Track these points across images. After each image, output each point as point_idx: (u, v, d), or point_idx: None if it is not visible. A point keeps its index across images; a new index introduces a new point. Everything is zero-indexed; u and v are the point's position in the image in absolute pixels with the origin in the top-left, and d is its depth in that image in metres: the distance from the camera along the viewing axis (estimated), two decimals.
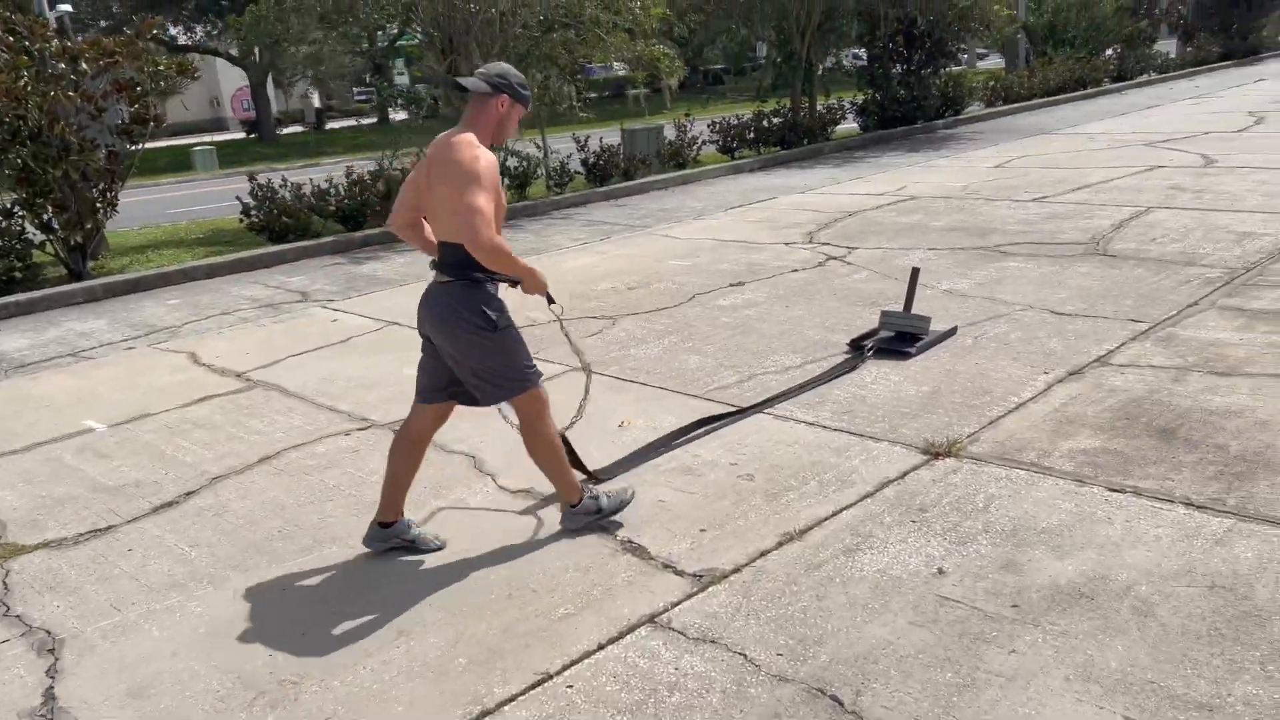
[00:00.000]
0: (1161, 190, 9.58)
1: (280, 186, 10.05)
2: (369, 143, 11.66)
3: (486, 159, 3.17)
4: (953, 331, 5.69)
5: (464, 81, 3.26)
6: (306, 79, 39.44)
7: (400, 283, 8.31)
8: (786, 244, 8.63)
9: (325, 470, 4.43)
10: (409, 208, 3.47)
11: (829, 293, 6.87)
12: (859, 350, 5.49)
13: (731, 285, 7.28)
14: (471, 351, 3.32)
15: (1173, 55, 26.74)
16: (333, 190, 10.33)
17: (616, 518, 3.68)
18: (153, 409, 5.46)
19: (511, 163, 12.15)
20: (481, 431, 4.71)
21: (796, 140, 15.42)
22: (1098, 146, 13.36)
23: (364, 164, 11.46)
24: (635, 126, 14.75)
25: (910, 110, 17.09)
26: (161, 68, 8.85)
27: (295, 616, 3.25)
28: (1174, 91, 21.37)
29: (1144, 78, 24.39)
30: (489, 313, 3.30)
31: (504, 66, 3.36)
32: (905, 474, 3.93)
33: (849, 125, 17.24)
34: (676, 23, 12.84)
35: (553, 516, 3.79)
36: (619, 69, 13.13)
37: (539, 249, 9.43)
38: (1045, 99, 20.50)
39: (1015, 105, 19.79)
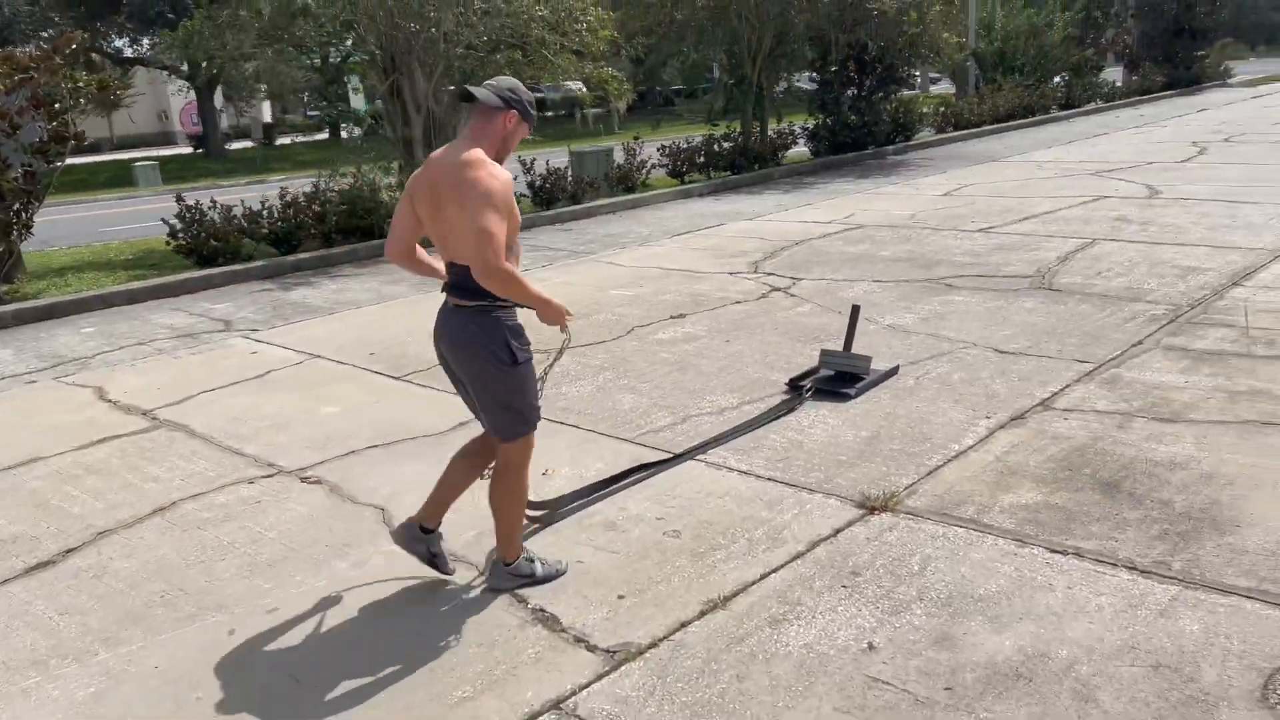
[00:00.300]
0: (1107, 221, 9.55)
1: (210, 208, 9.67)
2: (319, 159, 11.43)
3: (501, 177, 2.99)
4: (894, 371, 5.51)
5: (475, 91, 3.08)
6: (259, 94, 38.82)
7: (329, 311, 7.98)
8: (731, 273, 8.44)
9: (221, 524, 4.11)
10: (404, 237, 3.27)
11: (771, 326, 6.67)
12: (797, 391, 5.29)
13: (673, 317, 7.06)
14: (490, 382, 3.17)
15: (1119, 84, 27.16)
16: (265, 212, 9.97)
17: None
18: (45, 451, 5.09)
19: None
20: (396, 480, 4.42)
21: (747, 165, 15.30)
22: (1045, 175, 13.38)
23: (304, 183, 11.09)
24: (584, 149, 14.54)
25: (861, 136, 17.07)
26: (81, 84, 8.46)
27: (157, 700, 2.93)
28: (1120, 120, 21.66)
29: (1091, 106, 24.72)
30: (512, 345, 3.13)
31: (513, 81, 3.19)
32: (839, 531, 3.71)
33: (800, 150, 17.18)
34: (625, 45, 12.65)
35: (462, 578, 3.51)
36: (572, 88, 12.91)
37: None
38: (995, 125, 20.65)
39: (965, 131, 19.89)
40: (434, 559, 3.46)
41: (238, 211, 9.85)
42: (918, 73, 17.62)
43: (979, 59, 23.60)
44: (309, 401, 5.61)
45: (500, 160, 3.13)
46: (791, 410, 5.05)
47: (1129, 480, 3.97)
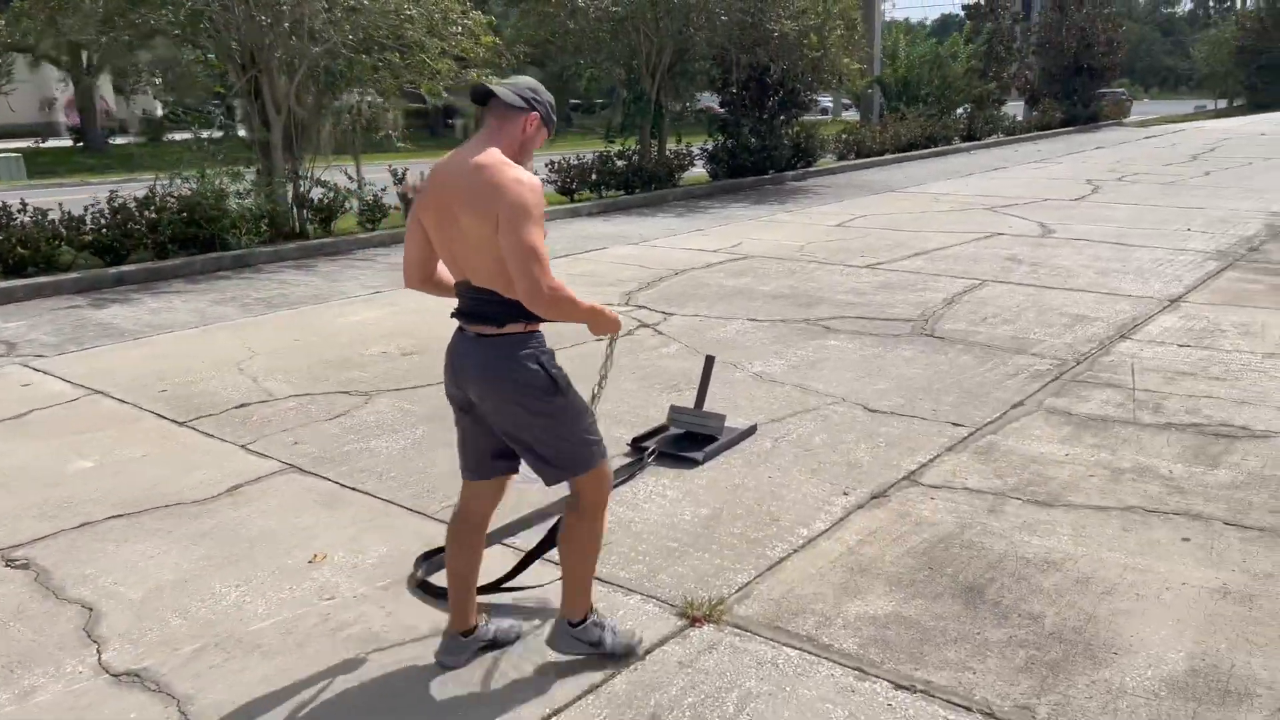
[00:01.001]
0: (998, 261, 9.17)
1: (19, 210, 8.59)
2: (206, 156, 10.44)
3: (532, 183, 2.56)
4: (752, 430, 4.88)
5: (495, 89, 2.65)
6: (153, 87, 36.77)
7: (138, 334, 7.03)
8: (605, 303, 7.74)
9: None
10: (419, 261, 2.82)
11: (630, 371, 6.00)
12: (640, 453, 4.62)
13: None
14: (532, 422, 2.69)
15: (1020, 118, 27.49)
16: (90, 217, 8.92)
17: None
18: None
19: (317, 193, 10.96)
20: (124, 565, 3.59)
21: (641, 185, 14.71)
22: (941, 208, 13.09)
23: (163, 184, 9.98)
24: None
25: (761, 160, 16.65)
26: None
27: None
28: (1019, 154, 21.77)
29: (993, 139, 24.90)
30: (550, 371, 2.69)
31: (533, 81, 2.77)
32: (649, 651, 3.03)
33: (699, 171, 16.68)
34: (508, 53, 11.91)
35: (155, 713, 2.72)
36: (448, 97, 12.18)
37: (324, 296, 8.29)
38: (897, 155, 20.52)
39: (868, 160, 19.70)
40: (494, 642, 3.04)
41: (54, 215, 8.78)
42: (827, 98, 17.21)
43: (883, 87, 23.55)
44: (63, 452, 4.72)
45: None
46: (631, 477, 4.37)
47: (995, 585, 3.38)
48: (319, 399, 5.52)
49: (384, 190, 11.53)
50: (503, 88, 2.67)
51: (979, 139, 24.17)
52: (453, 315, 2.75)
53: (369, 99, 11.51)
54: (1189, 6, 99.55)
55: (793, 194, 15.43)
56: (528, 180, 2.54)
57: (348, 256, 10.30)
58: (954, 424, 4.96)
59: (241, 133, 11.44)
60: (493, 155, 2.58)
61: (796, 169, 17.76)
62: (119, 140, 35.83)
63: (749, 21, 14.63)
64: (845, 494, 4.16)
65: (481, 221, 2.52)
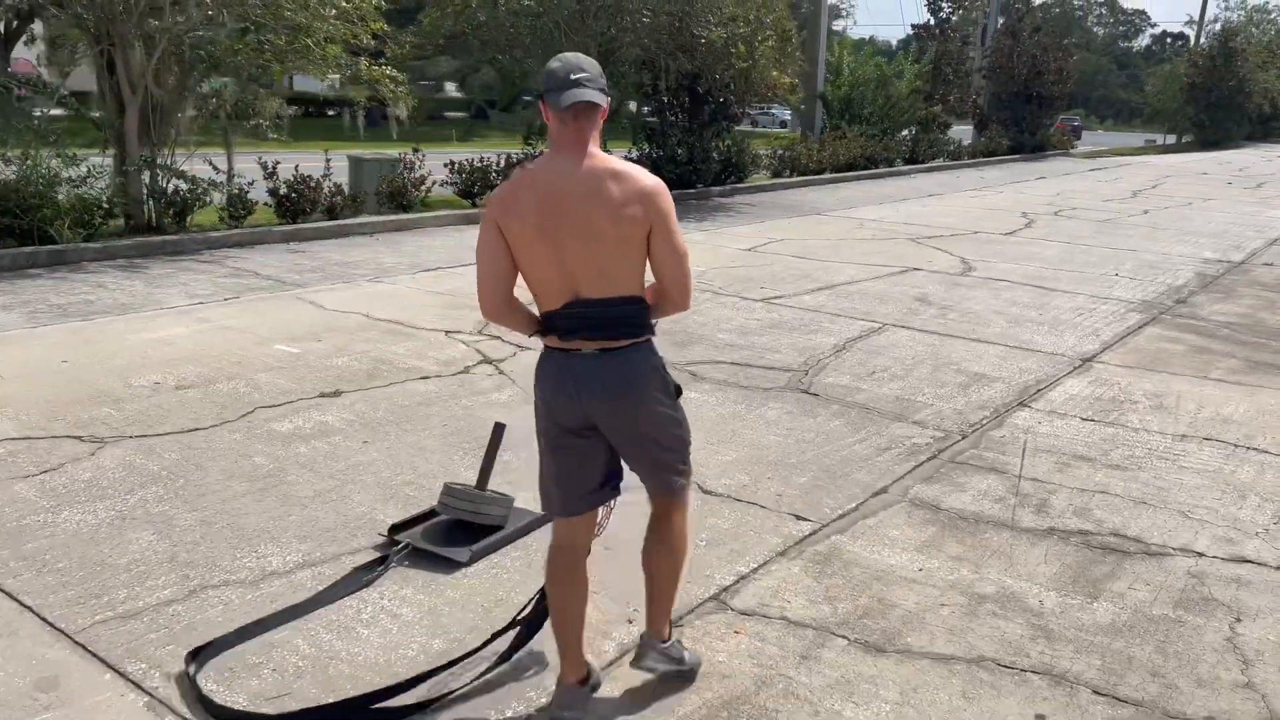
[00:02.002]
0: (906, 301, 8.37)
1: None
2: (37, 137, 9.10)
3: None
4: (543, 521, 3.95)
5: (593, 97, 2.44)
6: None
7: None
8: (448, 332, 6.81)
9: None
10: (506, 285, 2.58)
11: (442, 421, 5.05)
12: (395, 545, 3.68)
13: (323, 395, 5.36)
14: (665, 425, 2.67)
15: (966, 143, 26.97)
16: None
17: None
18: None
19: (176, 184, 9.86)
20: None
21: None
22: (863, 235, 12.32)
23: None
24: (364, 155, 12.71)
25: (687, 173, 15.79)
26: None
27: None
28: (960, 180, 21.18)
29: (938, 162, 24.32)
30: (669, 377, 2.69)
31: (587, 61, 2.51)
32: None
33: None
34: (393, 44, 10.90)
35: None
36: (335, 86, 11.13)
37: (134, 305, 7.23)
38: (834, 175, 19.80)
39: (803, 178, 18.95)
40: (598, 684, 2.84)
41: None
42: (786, 111, 16.38)
43: (825, 103, 22.83)
44: None
45: None
46: (365, 585, 3.42)
47: None
48: (38, 445, 4.50)
49: (252, 183, 10.46)
50: (592, 90, 2.44)
51: (922, 162, 23.57)
52: (564, 337, 2.54)
53: (234, 83, 10.41)
54: (1146, 42, 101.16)
55: (714, 212, 14.59)
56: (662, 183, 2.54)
57: (191, 256, 9.21)
58: (797, 516, 4.08)
59: (97, 114, 10.29)
60: (618, 161, 2.53)
61: (726, 184, 16.96)
62: None
63: (676, 26, 13.75)
64: (630, 621, 3.25)
65: (634, 228, 2.45)
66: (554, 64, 2.48)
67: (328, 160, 11.16)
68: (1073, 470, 4.69)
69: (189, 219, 9.93)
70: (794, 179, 18.81)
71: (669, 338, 6.87)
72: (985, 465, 4.73)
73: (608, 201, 2.42)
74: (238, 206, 10.14)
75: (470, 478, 4.06)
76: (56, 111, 9.97)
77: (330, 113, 31.87)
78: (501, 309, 2.61)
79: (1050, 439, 5.12)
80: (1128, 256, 11.17)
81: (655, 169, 15.26)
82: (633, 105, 16.63)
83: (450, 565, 3.57)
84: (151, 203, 9.78)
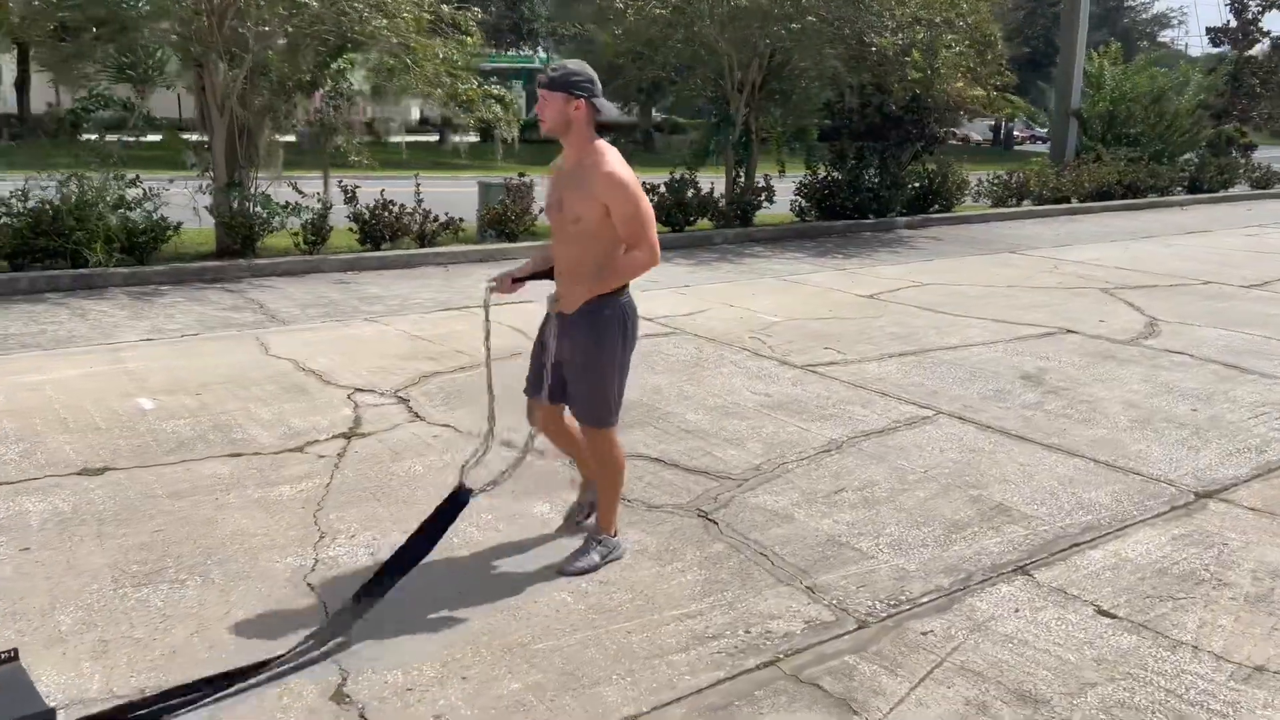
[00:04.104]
0: (1006, 380, 6.25)
1: None
2: (101, 158, 8.79)
3: None
4: None
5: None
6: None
7: None
8: (357, 390, 5.68)
9: None
10: None
11: (158, 527, 3.90)
12: None
13: (83, 473, 4.37)
14: None
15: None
16: None
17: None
18: None
19: (247, 207, 9.50)
20: None
21: (723, 222, 12.53)
22: (1044, 283, 9.88)
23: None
24: (492, 181, 11.98)
25: (865, 201, 13.77)
26: None
27: None
28: (1247, 215, 17.27)
29: (1235, 190, 20.13)
30: None
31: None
32: None
33: (783, 210, 14.04)
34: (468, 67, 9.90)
35: None
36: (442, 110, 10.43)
37: (69, 339, 6.70)
38: (1078, 205, 16.77)
39: (1030, 209, 16.20)
40: None
41: None
42: (954, 131, 14.05)
43: (1081, 121, 19.53)
44: None
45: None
46: None
47: None
48: None
49: (331, 208, 9.95)
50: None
51: (1209, 191, 19.57)
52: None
53: (336, 100, 9.97)
54: None
55: (882, 246, 12.52)
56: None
57: (222, 284, 8.70)
58: None
59: (199, 136, 10.22)
60: None
61: (927, 213, 14.71)
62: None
63: (844, 33, 11.88)
64: None
65: None
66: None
67: (418, 184, 10.45)
68: None
69: (259, 243, 9.54)
70: (1019, 208, 16.12)
71: (631, 409, 5.33)
72: (837, 696, 2.86)
73: None
74: (310, 231, 9.64)
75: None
76: (154, 137, 9.98)
77: (431, 138, 31.83)
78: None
79: (1002, 651, 3.12)
80: None
81: (822, 195, 13.46)
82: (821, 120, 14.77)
83: None
84: (222, 227, 9.49)
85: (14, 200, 8.16)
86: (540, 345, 3.56)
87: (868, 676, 2.95)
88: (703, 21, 11.97)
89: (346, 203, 9.96)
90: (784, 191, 13.95)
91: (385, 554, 3.48)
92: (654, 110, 28.69)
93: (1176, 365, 6.68)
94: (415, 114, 28.42)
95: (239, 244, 9.46)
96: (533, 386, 3.60)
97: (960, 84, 12.51)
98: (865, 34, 11.67)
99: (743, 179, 13.66)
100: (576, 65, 3.30)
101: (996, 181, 16.21)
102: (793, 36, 12.12)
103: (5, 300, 7.71)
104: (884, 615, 3.32)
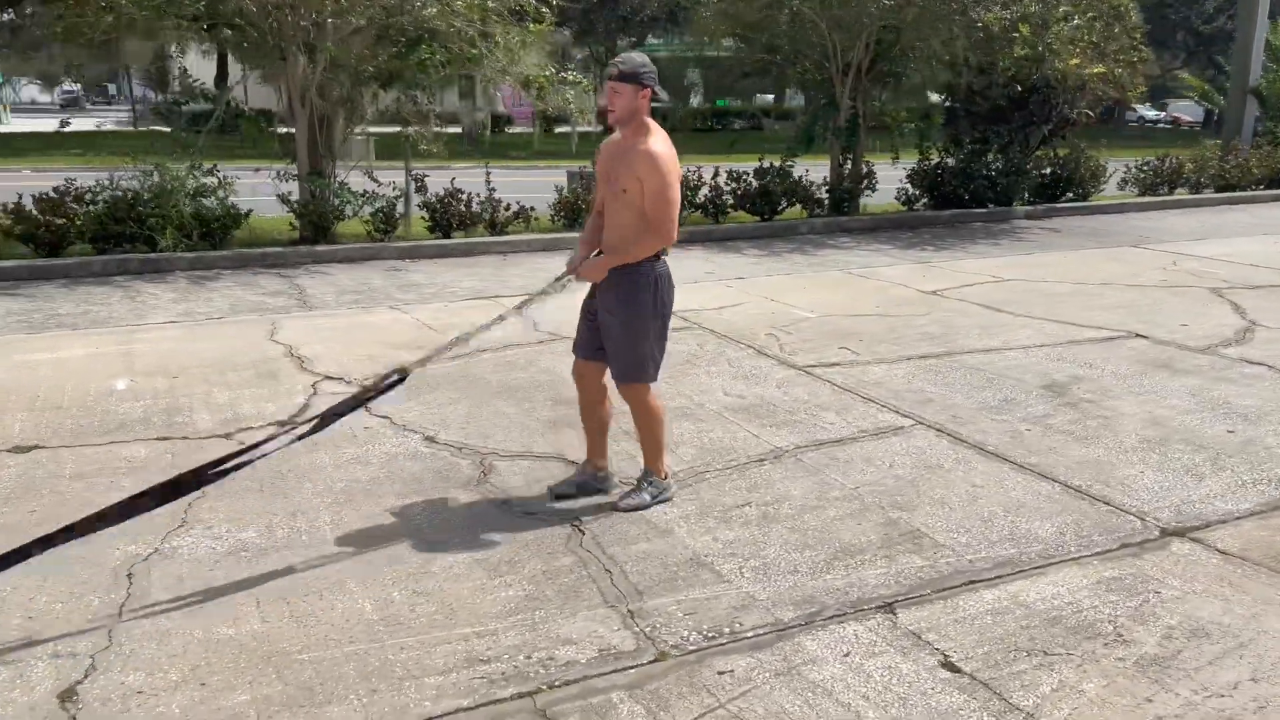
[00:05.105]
0: (1025, 389, 5.65)
1: None
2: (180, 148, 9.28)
3: None
4: None
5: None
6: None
7: None
8: (326, 378, 5.70)
9: None
10: None
11: (32, 507, 4.02)
12: None
13: (14, 450, 4.57)
14: None
15: None
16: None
17: None
18: None
19: (320, 195, 9.79)
20: None
21: (834, 209, 12.13)
22: (1140, 281, 8.92)
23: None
24: (576, 169, 11.94)
25: (980, 188, 12.84)
26: None
27: None
28: None
29: None
30: None
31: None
32: None
33: (886, 199, 13.29)
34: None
35: None
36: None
37: (104, 320, 7.05)
38: (1234, 195, 15.08)
39: (1176, 198, 14.71)
40: None
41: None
42: (1087, 112, 12.87)
43: (1261, 99, 17.52)
44: None
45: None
46: None
47: None
48: None
49: (399, 197, 10.14)
50: None
51: None
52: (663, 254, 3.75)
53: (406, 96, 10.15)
54: None
55: (989, 237, 11.65)
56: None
57: (278, 270, 8.97)
58: None
59: (285, 129, 10.64)
60: None
61: (1056, 202, 13.62)
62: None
63: (950, 9, 11.07)
64: None
65: None
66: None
67: (488, 174, 10.50)
68: None
69: (333, 230, 9.84)
70: (1168, 198, 14.65)
71: (567, 412, 5.16)
72: None
73: None
74: (380, 219, 9.87)
75: None
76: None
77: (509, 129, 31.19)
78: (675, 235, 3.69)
79: (793, 702, 2.74)
80: None
81: (934, 183, 12.71)
82: (935, 98, 13.91)
83: None
84: (296, 216, 9.84)
85: (99, 188, 8.71)
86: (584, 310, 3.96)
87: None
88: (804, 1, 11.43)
89: (417, 191, 10.12)
90: (896, 180, 13.25)
91: (226, 547, 3.44)
92: (755, 95, 27.91)
93: (1244, 378, 5.83)
94: (499, 104, 28.81)
95: (311, 231, 9.79)
96: (578, 346, 3.97)
97: (1076, 60, 11.38)
98: (970, 9, 10.81)
99: (849, 165, 13.03)
100: (641, 57, 3.68)
101: (1145, 168, 14.78)
102: (896, 14, 11.40)
103: (75, 281, 8.26)
104: (692, 649, 3.00)
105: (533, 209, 10.72)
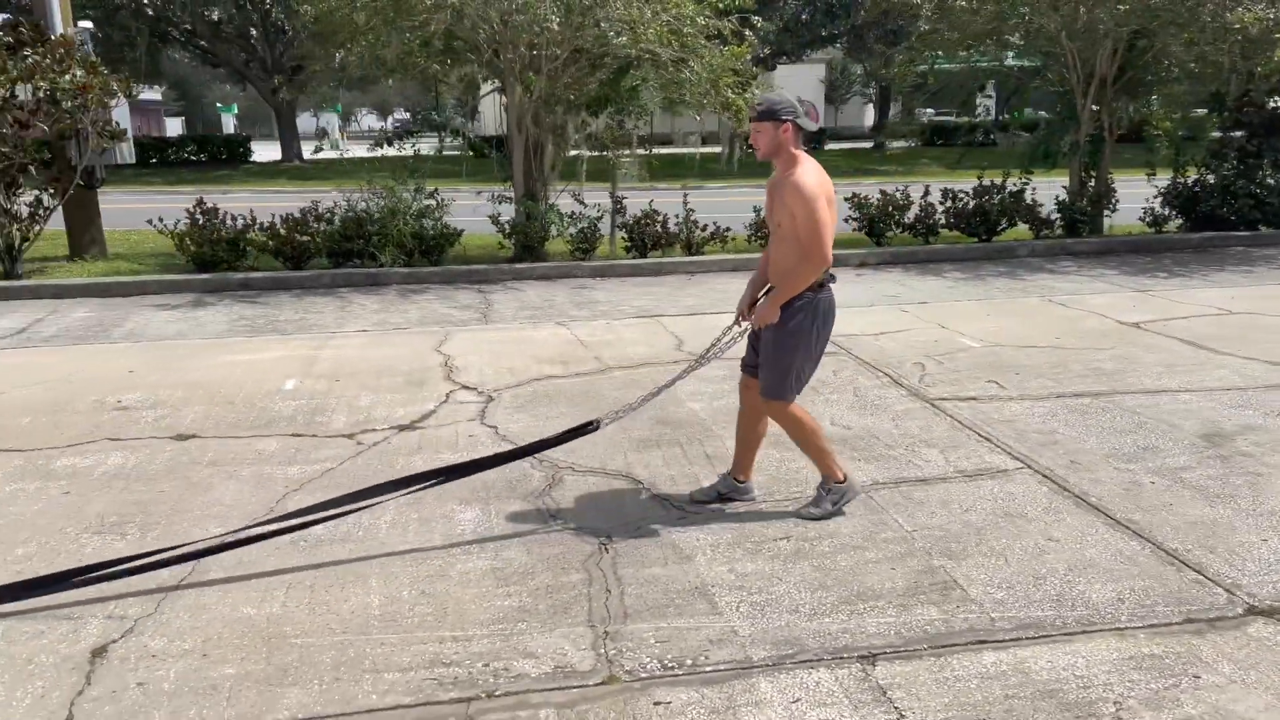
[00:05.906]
0: (1185, 437, 5.08)
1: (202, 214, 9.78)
2: (405, 172, 10.26)
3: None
4: None
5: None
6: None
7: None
8: (468, 387, 6.13)
9: None
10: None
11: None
12: None
13: (178, 436, 5.31)
14: None
15: None
16: (258, 225, 9.80)
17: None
18: None
19: (528, 215, 10.43)
20: None
21: (1072, 230, 11.48)
22: None
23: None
24: None
25: (1244, 207, 11.44)
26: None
27: None
28: None
29: None
30: None
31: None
32: None
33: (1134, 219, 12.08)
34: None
35: None
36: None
37: (303, 326, 7.90)
38: None
39: None
40: None
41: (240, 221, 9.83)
42: None
43: None
44: None
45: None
46: None
47: None
48: None
49: (599, 218, 10.58)
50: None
51: None
52: (828, 282, 3.95)
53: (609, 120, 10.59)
54: None
55: (1240, 264, 10.41)
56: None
57: (477, 285, 9.68)
58: None
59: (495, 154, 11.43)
60: None
61: None
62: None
63: (1201, 11, 9.99)
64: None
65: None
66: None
67: (685, 195, 10.71)
68: None
69: (541, 249, 10.45)
70: None
71: (666, 430, 5.26)
72: None
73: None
74: (580, 239, 10.36)
75: None
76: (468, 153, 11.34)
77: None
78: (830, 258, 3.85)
79: None
80: None
81: (1191, 201, 11.54)
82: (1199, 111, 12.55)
83: None
84: (506, 235, 10.54)
85: (336, 209, 9.82)
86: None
87: None
88: (1036, 6, 10.75)
89: (616, 213, 10.52)
90: (1142, 199, 12.10)
91: (290, 536, 3.84)
92: (988, 109, 25.94)
93: None
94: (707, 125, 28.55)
95: (520, 251, 10.45)
96: (745, 364, 4.24)
97: None
98: (1224, 11, 9.69)
99: (1092, 182, 12.05)
100: (776, 96, 3.92)
101: None
102: (1135, 20, 10.44)
103: (306, 291, 9.34)
104: (644, 676, 3.01)
105: (728, 229, 10.80)
